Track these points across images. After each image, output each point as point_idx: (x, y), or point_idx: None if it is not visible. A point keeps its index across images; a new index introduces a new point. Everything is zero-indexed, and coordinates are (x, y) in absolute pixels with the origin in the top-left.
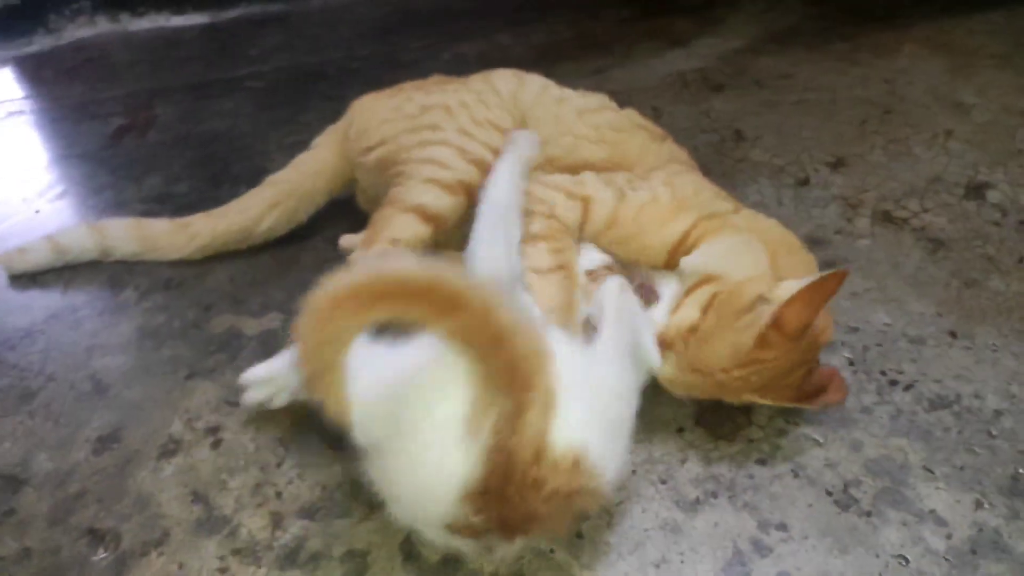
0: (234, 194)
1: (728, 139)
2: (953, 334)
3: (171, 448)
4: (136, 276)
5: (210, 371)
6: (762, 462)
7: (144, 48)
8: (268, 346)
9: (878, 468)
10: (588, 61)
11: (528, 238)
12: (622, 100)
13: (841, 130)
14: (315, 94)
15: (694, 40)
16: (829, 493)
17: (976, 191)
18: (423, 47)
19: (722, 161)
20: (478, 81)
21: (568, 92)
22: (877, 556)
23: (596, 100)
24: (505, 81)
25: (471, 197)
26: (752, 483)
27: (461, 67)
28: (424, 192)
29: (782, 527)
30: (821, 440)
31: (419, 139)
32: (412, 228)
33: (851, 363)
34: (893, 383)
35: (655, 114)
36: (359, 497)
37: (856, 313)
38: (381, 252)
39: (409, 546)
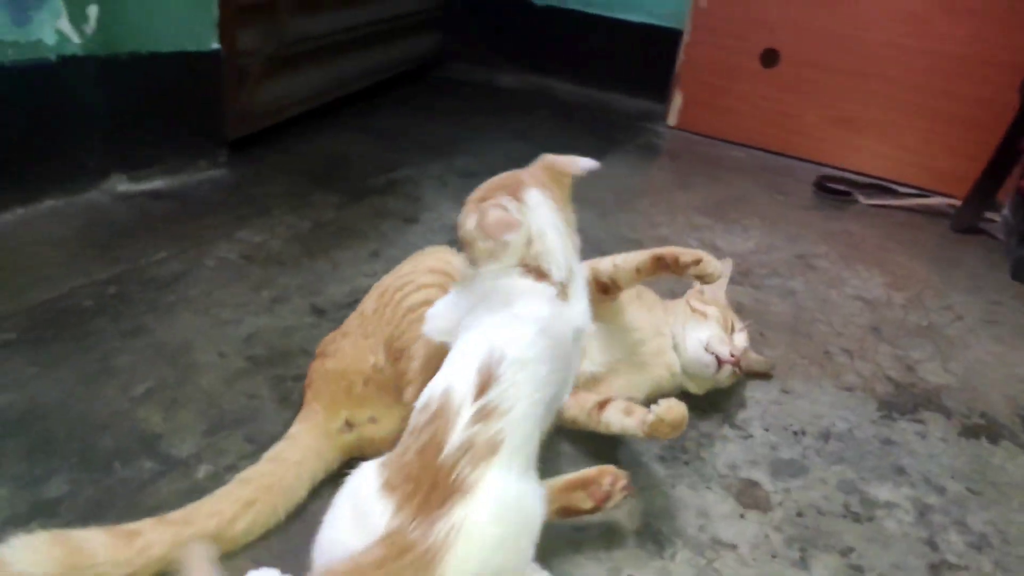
0: (139, 471)
1: None
2: (785, 391)
3: None
4: None
5: None
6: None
7: None
8: None
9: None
10: (355, 247)
11: None
12: None
13: None
14: (103, 333)
15: (421, 215)
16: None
17: None
18: (170, 256)
19: None
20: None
21: None
22: None
23: None
24: None
25: None
26: None
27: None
28: None
29: None
30: (806, 487)
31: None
32: None
33: (766, 429)
34: (795, 433)
35: None
36: None
37: (732, 395)
38: None
39: None
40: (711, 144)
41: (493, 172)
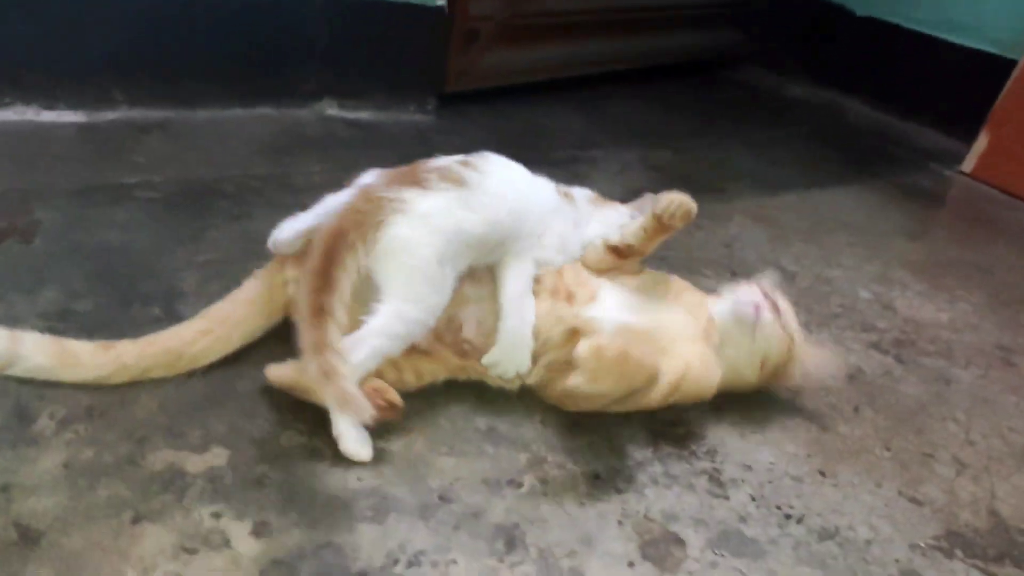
0: (146, 315)
1: None
2: (822, 473)
3: None
4: (48, 403)
5: (158, 513)
6: None
7: (10, 144)
8: (216, 484)
9: None
10: None
11: None
12: None
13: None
14: (218, 211)
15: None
16: None
17: None
18: (321, 172)
19: None
20: None
21: None
22: None
23: None
24: None
25: None
26: None
27: None
28: None
29: None
30: (745, 571)
31: None
32: None
33: (753, 499)
34: (787, 516)
35: None
36: None
37: (748, 453)
38: None
39: None
40: (1006, 201)
41: (678, 172)
